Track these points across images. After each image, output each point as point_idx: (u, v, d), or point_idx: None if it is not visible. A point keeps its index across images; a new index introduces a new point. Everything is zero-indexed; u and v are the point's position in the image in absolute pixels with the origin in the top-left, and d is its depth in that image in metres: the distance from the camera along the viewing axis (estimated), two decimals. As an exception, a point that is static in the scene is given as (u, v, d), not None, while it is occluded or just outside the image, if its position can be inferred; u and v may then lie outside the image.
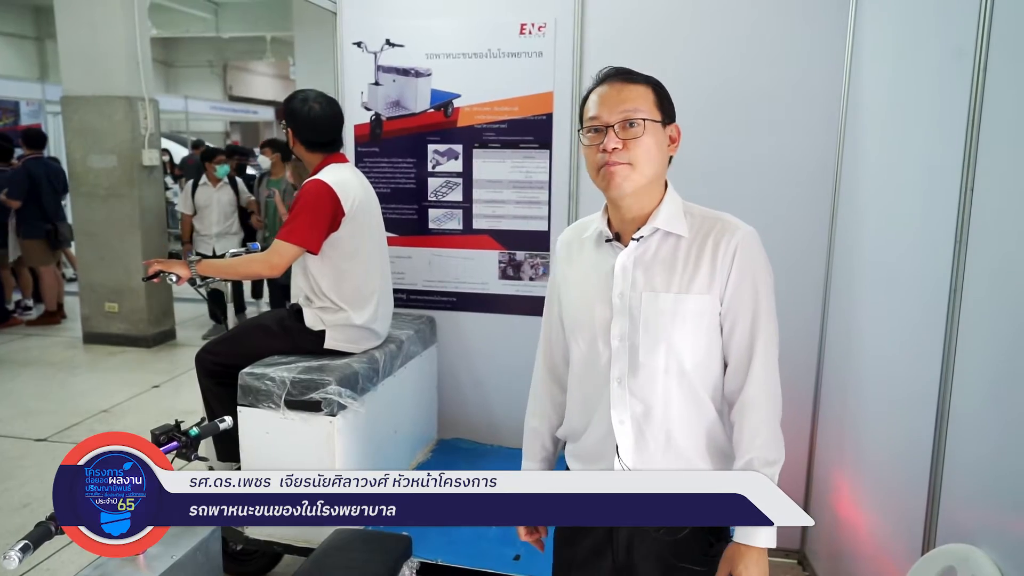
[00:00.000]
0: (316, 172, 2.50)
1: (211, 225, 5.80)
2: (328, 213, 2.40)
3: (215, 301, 5.62)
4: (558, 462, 1.59)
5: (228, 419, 1.76)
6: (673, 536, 1.36)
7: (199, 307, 6.72)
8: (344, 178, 2.48)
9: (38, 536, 1.25)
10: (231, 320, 6.07)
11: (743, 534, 1.31)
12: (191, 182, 5.91)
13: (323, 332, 2.50)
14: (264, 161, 5.89)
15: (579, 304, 1.42)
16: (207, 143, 9.72)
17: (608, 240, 1.39)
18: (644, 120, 1.29)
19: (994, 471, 1.44)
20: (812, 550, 2.68)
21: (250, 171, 7.68)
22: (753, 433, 1.33)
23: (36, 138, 6.45)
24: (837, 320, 2.51)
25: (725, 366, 1.37)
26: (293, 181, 5.10)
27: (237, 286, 6.28)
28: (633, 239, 1.35)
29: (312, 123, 2.50)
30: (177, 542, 1.42)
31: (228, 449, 2.50)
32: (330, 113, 2.53)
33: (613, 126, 1.29)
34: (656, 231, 1.34)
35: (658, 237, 1.35)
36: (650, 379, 1.34)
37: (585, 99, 1.37)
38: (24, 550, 1.22)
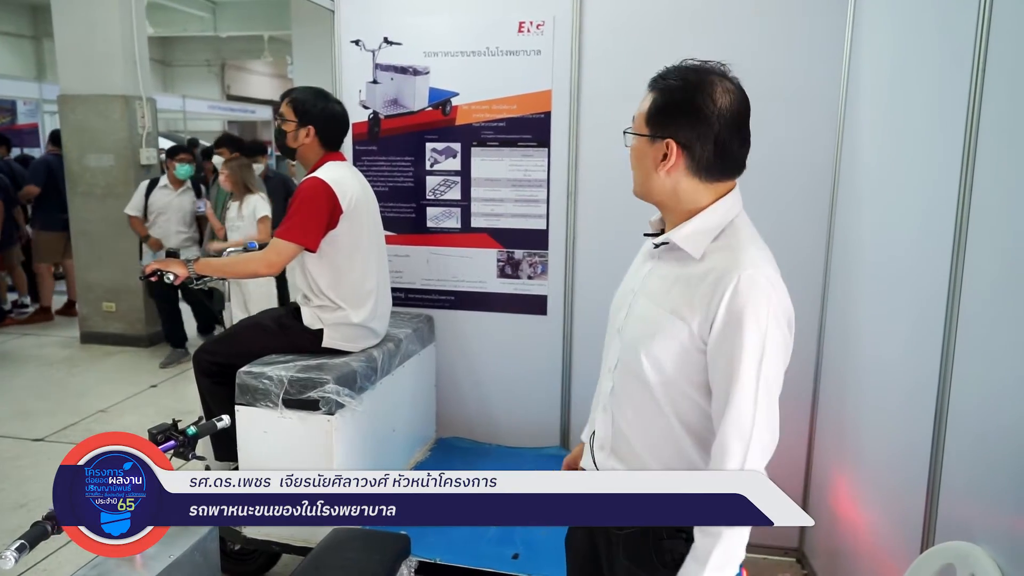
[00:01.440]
0: (314, 170, 2.49)
1: (169, 235, 5.17)
2: (326, 211, 2.40)
3: (213, 300, 5.50)
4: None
5: (226, 418, 1.76)
6: (621, 531, 1.35)
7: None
8: (341, 176, 2.47)
9: (34, 536, 1.25)
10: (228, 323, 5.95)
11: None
12: (146, 181, 5.26)
13: (321, 331, 2.50)
14: (220, 162, 5.22)
15: (618, 292, 1.47)
16: (203, 141, 9.65)
17: (647, 235, 1.41)
18: (631, 133, 1.32)
19: (993, 468, 1.44)
20: (811, 548, 2.69)
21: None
22: None
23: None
24: (836, 318, 2.51)
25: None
26: (230, 186, 4.59)
27: None
28: (654, 244, 1.36)
29: (336, 120, 2.55)
30: (175, 541, 1.42)
31: (226, 448, 2.50)
32: (344, 112, 2.61)
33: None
34: (670, 243, 1.31)
35: (670, 248, 1.32)
36: (623, 381, 1.35)
37: None
38: (20, 550, 1.21)
